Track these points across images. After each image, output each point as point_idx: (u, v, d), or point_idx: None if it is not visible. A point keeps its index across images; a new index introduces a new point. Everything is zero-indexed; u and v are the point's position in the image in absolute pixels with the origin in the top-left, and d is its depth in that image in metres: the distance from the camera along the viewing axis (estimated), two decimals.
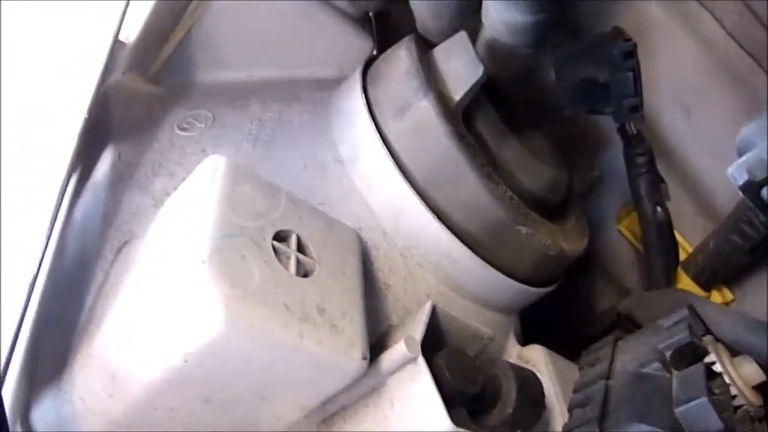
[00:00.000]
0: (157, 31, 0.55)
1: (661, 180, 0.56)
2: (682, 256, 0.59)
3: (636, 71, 0.48)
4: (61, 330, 0.41)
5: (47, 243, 0.36)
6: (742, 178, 0.31)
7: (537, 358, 0.49)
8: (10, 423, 0.39)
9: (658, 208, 0.56)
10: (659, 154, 0.57)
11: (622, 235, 0.63)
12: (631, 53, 0.47)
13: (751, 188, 0.31)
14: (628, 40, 0.48)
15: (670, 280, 0.57)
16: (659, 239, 0.57)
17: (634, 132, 0.54)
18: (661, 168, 0.57)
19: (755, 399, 0.42)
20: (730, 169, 0.32)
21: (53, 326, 0.42)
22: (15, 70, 0.42)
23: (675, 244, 0.58)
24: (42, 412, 0.40)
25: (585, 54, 0.50)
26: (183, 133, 0.48)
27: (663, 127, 0.61)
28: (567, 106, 0.51)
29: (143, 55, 0.55)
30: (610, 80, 0.48)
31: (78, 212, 0.46)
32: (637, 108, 0.49)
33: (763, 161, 0.31)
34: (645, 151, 0.54)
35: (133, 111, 0.51)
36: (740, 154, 0.32)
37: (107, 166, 0.46)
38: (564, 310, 0.65)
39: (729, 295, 0.57)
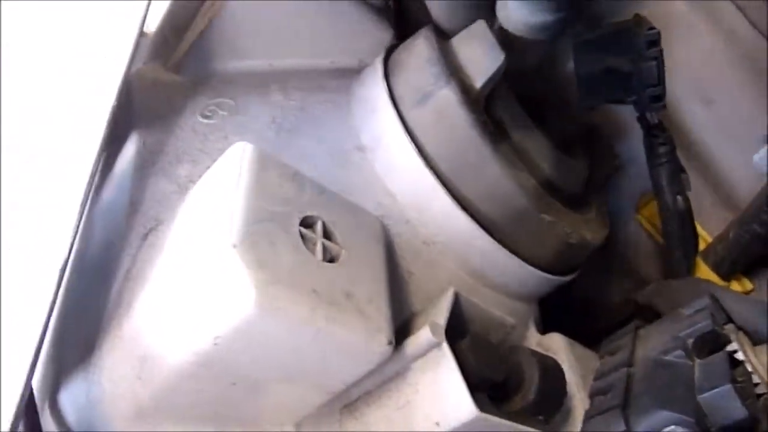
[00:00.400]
0: (177, 21, 0.56)
1: (682, 170, 0.56)
2: (702, 246, 0.59)
3: (659, 60, 0.47)
4: (89, 314, 0.41)
5: (77, 230, 0.37)
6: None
7: (557, 347, 0.49)
8: (38, 404, 0.40)
9: (679, 198, 0.55)
10: (679, 145, 0.57)
11: (641, 225, 0.63)
12: (655, 42, 0.47)
13: None
14: (652, 28, 0.48)
15: (690, 269, 0.57)
16: (680, 229, 0.56)
17: (656, 122, 0.54)
18: (682, 159, 0.57)
19: None
20: (756, 157, 0.32)
21: (80, 310, 0.42)
22: (41, 63, 0.42)
23: (695, 234, 0.58)
24: (70, 394, 0.41)
25: (606, 43, 0.49)
26: (205, 121, 0.48)
27: (683, 118, 0.61)
28: (587, 96, 0.51)
29: (164, 45, 0.56)
30: (633, 69, 0.48)
31: (104, 199, 0.47)
32: (660, 97, 0.49)
33: None
34: (666, 140, 0.54)
35: (156, 100, 0.51)
36: (765, 143, 0.32)
37: (132, 153, 0.47)
38: (582, 300, 0.65)
39: (748, 285, 0.57)
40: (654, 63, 0.47)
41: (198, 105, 0.50)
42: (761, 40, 0.58)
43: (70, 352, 0.41)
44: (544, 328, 0.53)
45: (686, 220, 0.56)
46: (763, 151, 0.32)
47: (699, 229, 0.60)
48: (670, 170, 0.55)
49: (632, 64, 0.48)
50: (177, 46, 0.56)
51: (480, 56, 0.45)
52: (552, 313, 0.58)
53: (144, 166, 0.46)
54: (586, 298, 0.67)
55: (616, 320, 0.60)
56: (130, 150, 0.47)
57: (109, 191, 0.47)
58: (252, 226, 0.33)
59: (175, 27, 0.56)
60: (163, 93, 0.52)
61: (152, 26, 0.57)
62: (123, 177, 0.46)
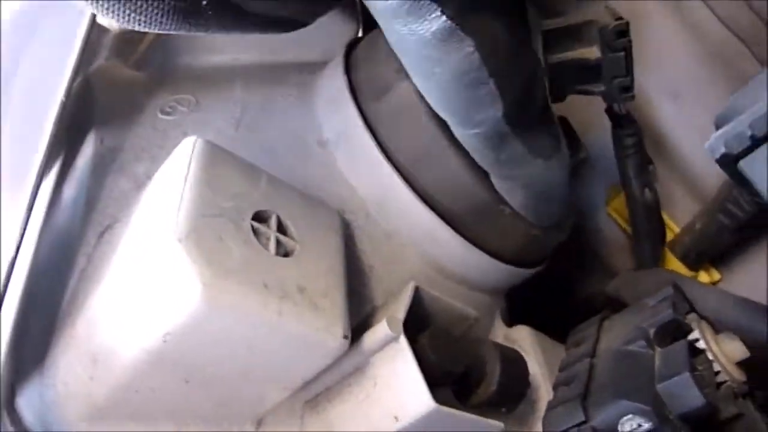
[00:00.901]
0: None
1: (650, 161, 0.56)
2: (670, 237, 0.59)
3: (628, 51, 0.47)
4: (45, 316, 0.41)
5: (25, 228, 0.36)
6: (720, 151, 0.31)
7: (523, 339, 0.49)
8: None
9: (647, 190, 0.56)
10: (648, 138, 0.57)
11: (611, 217, 0.63)
12: (624, 32, 0.46)
13: (728, 161, 0.31)
14: (620, 18, 0.47)
15: (658, 261, 0.57)
16: (647, 220, 0.57)
17: (623, 112, 0.53)
18: (650, 151, 0.57)
19: (739, 375, 0.42)
20: (708, 143, 0.32)
21: (37, 313, 0.42)
22: None
23: (663, 226, 0.58)
24: (27, 398, 0.40)
25: (575, 33, 0.49)
26: (166, 117, 0.48)
27: (652, 112, 0.61)
28: (555, 87, 0.51)
29: (126, 41, 0.55)
30: (601, 60, 0.48)
31: (62, 198, 0.46)
32: (629, 88, 0.48)
33: (740, 134, 0.30)
34: (634, 132, 0.54)
35: (116, 96, 0.50)
36: (718, 128, 0.32)
37: (90, 151, 0.46)
38: (554, 293, 0.65)
39: (716, 275, 0.58)
40: (622, 54, 0.47)
41: (159, 101, 0.49)
42: (728, 35, 0.58)
43: (26, 354, 0.41)
44: (516, 322, 0.53)
45: (654, 211, 0.57)
46: (713, 138, 0.31)
47: (667, 219, 0.60)
48: (638, 162, 0.55)
49: (600, 54, 0.48)
50: (139, 41, 0.56)
51: None
52: (524, 306, 0.58)
53: (102, 164, 0.45)
54: (558, 291, 0.67)
55: (589, 313, 0.60)
56: (88, 148, 0.47)
57: (68, 190, 0.46)
58: (199, 220, 0.32)
59: None
60: (123, 90, 0.51)
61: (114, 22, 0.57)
62: (81, 175, 0.46)
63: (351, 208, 0.44)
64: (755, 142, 0.30)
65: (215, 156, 0.36)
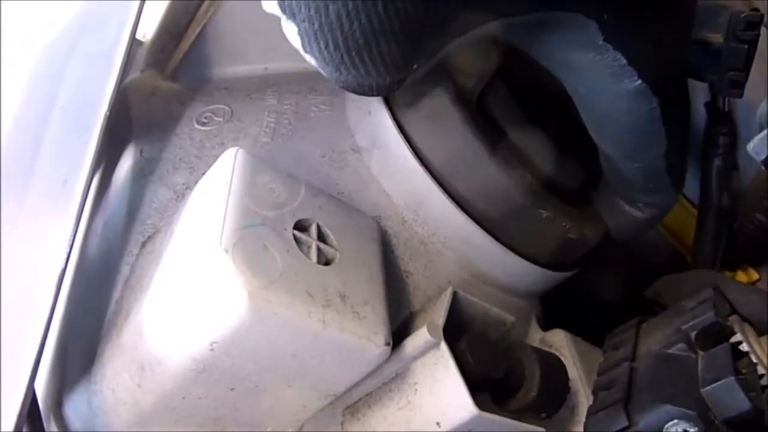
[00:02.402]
0: (173, 29, 0.56)
1: (736, 167, 0.54)
2: None
3: (752, 45, 0.44)
4: (90, 324, 0.42)
5: (73, 239, 0.37)
6: (764, 153, 0.31)
7: (560, 343, 0.49)
8: (44, 415, 0.40)
9: (725, 194, 0.54)
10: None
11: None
12: (755, 24, 0.43)
13: None
14: (756, 10, 0.45)
15: (716, 267, 0.56)
16: (717, 225, 0.55)
17: (726, 110, 0.52)
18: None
19: None
20: (751, 144, 0.31)
21: (82, 321, 0.43)
22: (35, 71, 0.43)
23: (730, 235, 0.56)
24: (74, 406, 0.41)
25: (704, 14, 0.46)
26: (202, 128, 0.48)
27: (693, 111, 0.60)
28: None
29: (160, 52, 0.56)
30: (723, 47, 0.44)
31: (103, 209, 0.47)
32: (740, 84, 0.47)
33: None
34: (729, 131, 0.52)
35: (152, 107, 0.51)
36: (761, 129, 0.32)
37: (129, 162, 0.47)
38: (589, 296, 0.65)
39: (754, 275, 0.57)
40: (746, 47, 0.44)
41: (194, 112, 0.50)
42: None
43: (72, 362, 0.42)
44: (550, 326, 0.53)
45: (725, 217, 0.54)
46: (756, 139, 0.31)
47: None
48: (725, 164, 0.53)
49: (724, 41, 0.44)
50: (173, 53, 0.57)
51: (472, 55, 0.44)
52: (558, 309, 0.58)
53: (141, 175, 0.46)
54: (593, 294, 0.66)
55: (623, 315, 0.60)
56: (127, 159, 0.48)
57: (108, 200, 0.47)
58: (243, 230, 0.33)
59: (171, 34, 0.56)
60: (159, 101, 0.52)
61: (148, 34, 0.58)
62: (121, 186, 0.47)
63: (387, 215, 0.45)
64: None
65: (256, 167, 0.37)
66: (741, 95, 0.46)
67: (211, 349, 0.33)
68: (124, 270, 0.42)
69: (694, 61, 0.45)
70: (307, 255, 0.35)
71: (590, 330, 0.52)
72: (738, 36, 0.44)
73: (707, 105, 0.52)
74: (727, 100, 0.51)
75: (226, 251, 0.31)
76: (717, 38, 0.44)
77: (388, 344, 0.35)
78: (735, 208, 0.54)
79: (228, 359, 0.34)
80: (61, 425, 0.42)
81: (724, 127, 0.52)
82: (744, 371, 0.39)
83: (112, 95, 0.40)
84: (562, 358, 0.46)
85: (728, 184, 0.53)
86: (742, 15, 0.43)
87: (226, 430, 0.40)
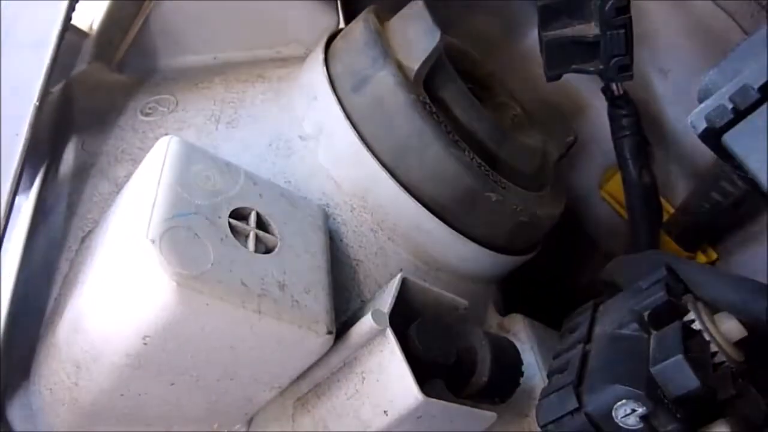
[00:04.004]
0: (119, 19, 0.55)
1: (647, 142, 0.55)
2: (665, 217, 0.58)
3: (628, 28, 0.45)
4: (30, 323, 0.41)
5: (2, 235, 0.36)
6: (702, 126, 0.30)
7: (518, 327, 0.49)
8: None
9: (644, 171, 0.54)
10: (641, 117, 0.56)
11: (605, 200, 0.62)
12: (624, 9, 0.44)
13: (711, 136, 0.30)
14: None
15: (655, 243, 0.56)
16: (644, 203, 0.55)
17: (621, 92, 0.52)
18: (645, 131, 0.56)
19: (737, 355, 0.41)
20: (689, 117, 0.31)
21: (23, 320, 0.42)
22: None
23: (660, 208, 0.57)
24: (16, 407, 0.40)
25: (572, 9, 0.47)
26: (146, 119, 0.47)
27: (641, 89, 0.60)
28: (552, 65, 0.49)
29: (107, 44, 0.55)
30: (600, 37, 0.45)
31: (46, 205, 0.46)
32: (627, 67, 0.47)
33: (721, 107, 0.30)
34: (630, 112, 0.52)
35: (97, 100, 0.50)
36: (701, 102, 0.31)
37: (71, 156, 0.46)
38: (550, 281, 0.64)
39: (713, 255, 0.57)
40: (622, 31, 0.45)
41: (139, 103, 0.49)
42: (715, 8, 0.57)
43: (15, 364, 0.41)
44: (512, 311, 0.53)
45: (651, 194, 0.55)
46: (695, 112, 0.31)
47: (663, 201, 0.59)
48: (635, 143, 0.53)
49: (599, 31, 0.45)
50: (120, 44, 0.55)
51: (417, 36, 0.44)
52: (522, 295, 0.57)
53: (83, 169, 0.45)
54: (556, 279, 0.66)
55: (586, 300, 0.60)
56: (70, 153, 0.47)
57: (51, 196, 0.46)
58: (173, 220, 0.32)
59: (118, 25, 0.55)
60: (104, 93, 0.51)
61: (95, 25, 0.56)
62: (63, 180, 0.46)
63: (335, 203, 0.44)
64: (737, 115, 0.29)
65: (190, 155, 0.36)
66: (631, 77, 0.47)
67: (145, 344, 0.32)
68: (64, 266, 0.41)
69: (576, 58, 0.46)
70: (244, 244, 0.34)
71: (557, 314, 0.52)
72: (611, 24, 0.44)
73: (604, 91, 0.52)
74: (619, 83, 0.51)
75: (153, 242, 0.30)
76: (591, 30, 0.45)
77: (330, 333, 0.35)
78: (655, 181, 0.54)
79: (163, 353, 0.33)
80: (5, 426, 0.40)
81: (625, 109, 0.52)
82: (696, 350, 0.38)
83: (42, 87, 0.38)
84: (520, 343, 0.46)
85: (645, 160, 0.53)
86: (610, 2, 0.43)
87: (173, 430, 0.39)
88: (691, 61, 0.57)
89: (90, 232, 0.42)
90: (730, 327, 0.42)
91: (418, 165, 0.43)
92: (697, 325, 0.41)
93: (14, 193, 0.37)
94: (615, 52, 0.46)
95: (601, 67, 0.47)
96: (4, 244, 0.37)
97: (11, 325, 0.42)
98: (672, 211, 0.59)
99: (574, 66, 0.49)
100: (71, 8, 0.42)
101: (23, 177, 0.38)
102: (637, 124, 0.53)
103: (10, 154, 0.37)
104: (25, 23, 0.41)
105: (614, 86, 0.51)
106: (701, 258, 0.57)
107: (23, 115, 0.38)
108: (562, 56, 0.48)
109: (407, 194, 0.43)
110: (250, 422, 0.41)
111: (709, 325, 0.42)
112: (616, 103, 0.52)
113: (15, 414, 0.40)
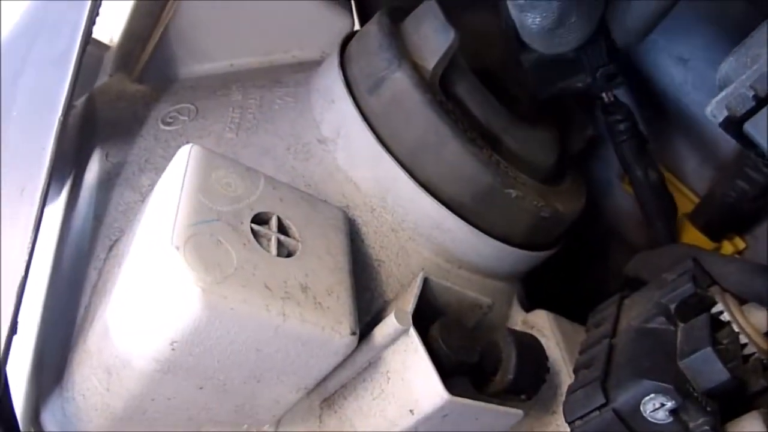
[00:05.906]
0: (139, 31, 0.56)
1: (646, 141, 0.54)
2: (690, 207, 0.57)
3: (606, 36, 0.44)
4: (62, 332, 0.42)
5: (33, 247, 0.37)
6: (722, 115, 0.30)
7: (542, 323, 0.48)
8: (22, 427, 0.40)
9: (650, 170, 0.53)
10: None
11: (627, 192, 0.61)
12: None
13: (732, 125, 0.30)
14: None
15: (674, 237, 0.55)
16: (656, 200, 0.54)
17: (611, 99, 0.51)
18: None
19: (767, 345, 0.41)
20: (709, 108, 0.30)
21: (55, 329, 0.43)
22: None
23: (672, 203, 0.56)
24: (50, 413, 0.41)
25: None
26: (167, 128, 0.48)
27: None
28: (541, 86, 0.48)
29: (127, 56, 0.56)
30: (578, 55, 0.45)
31: (73, 215, 0.47)
32: (615, 75, 0.46)
33: (742, 95, 0.29)
34: (625, 116, 0.52)
35: (119, 111, 0.51)
36: (721, 90, 0.31)
37: (96, 167, 0.47)
38: (575, 275, 0.64)
39: (741, 244, 0.55)
40: (602, 40, 0.44)
41: (160, 113, 0.50)
42: None
43: (48, 372, 0.42)
44: (537, 307, 0.52)
45: (661, 190, 0.54)
46: (714, 102, 0.30)
47: (686, 191, 0.58)
48: (635, 145, 0.52)
49: (578, 48, 0.44)
50: (140, 55, 0.56)
51: (430, 36, 0.44)
52: (546, 290, 0.57)
53: (108, 179, 0.46)
54: (580, 273, 0.65)
55: (612, 293, 0.59)
56: (94, 164, 0.48)
57: (78, 206, 0.47)
58: (196, 226, 0.32)
59: (138, 36, 0.56)
60: (126, 104, 0.52)
61: (116, 37, 0.57)
62: (89, 191, 0.47)
63: (355, 204, 0.44)
64: (759, 103, 0.29)
65: (211, 162, 0.36)
66: (622, 83, 0.46)
67: (173, 349, 0.32)
68: (93, 275, 0.42)
69: (561, 75, 0.45)
70: (266, 248, 0.35)
71: (583, 309, 0.52)
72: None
73: (595, 102, 0.51)
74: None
75: (177, 248, 0.31)
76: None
77: (354, 333, 0.35)
78: (663, 176, 0.53)
79: (191, 358, 0.33)
80: None
81: (619, 114, 0.51)
82: (725, 341, 0.38)
83: (65, 101, 0.39)
84: (545, 339, 0.46)
85: (648, 160, 0.53)
86: None
87: (201, 430, 0.40)
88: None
89: (117, 240, 0.43)
90: (760, 317, 0.41)
91: (437, 164, 0.43)
92: (725, 317, 0.41)
93: (42, 205, 0.37)
94: (598, 63, 0.45)
95: (589, 80, 0.46)
96: (33, 255, 0.37)
97: (44, 335, 0.43)
98: (696, 199, 0.58)
99: (560, 85, 0.48)
100: (92, 22, 0.42)
101: (50, 189, 0.40)
102: (634, 126, 0.52)
103: (38, 168, 0.38)
104: (47, 39, 0.42)
105: (604, 95, 0.51)
106: (728, 246, 0.56)
107: (49, 129, 0.39)
108: (547, 75, 0.47)
109: (426, 193, 0.43)
110: (278, 423, 0.41)
111: (737, 316, 0.41)
112: (609, 110, 0.52)
113: (49, 420, 0.41)
